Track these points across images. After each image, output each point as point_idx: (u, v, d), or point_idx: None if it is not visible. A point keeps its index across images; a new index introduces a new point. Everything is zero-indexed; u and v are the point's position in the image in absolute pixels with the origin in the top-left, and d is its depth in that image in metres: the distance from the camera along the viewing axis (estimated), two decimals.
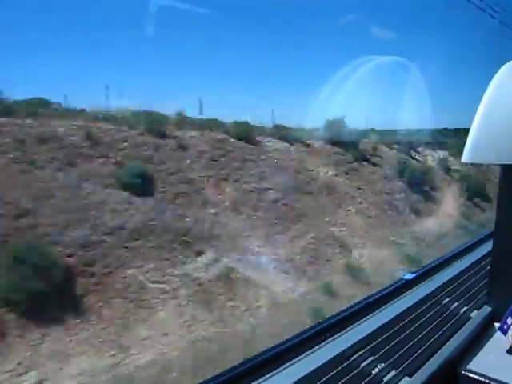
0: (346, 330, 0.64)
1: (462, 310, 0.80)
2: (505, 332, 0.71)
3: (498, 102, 0.64)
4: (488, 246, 0.83)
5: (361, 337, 0.62)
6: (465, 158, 0.65)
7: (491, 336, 0.74)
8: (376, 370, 0.59)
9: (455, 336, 0.72)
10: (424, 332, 0.70)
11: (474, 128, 0.64)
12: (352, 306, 0.75)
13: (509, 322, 0.71)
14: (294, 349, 0.59)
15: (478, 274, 0.87)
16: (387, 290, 0.81)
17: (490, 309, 0.80)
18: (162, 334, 4.17)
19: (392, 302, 0.76)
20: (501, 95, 0.65)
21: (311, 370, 0.54)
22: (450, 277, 0.85)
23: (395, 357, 0.63)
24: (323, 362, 0.56)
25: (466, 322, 0.76)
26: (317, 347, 0.60)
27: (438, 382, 0.63)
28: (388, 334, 0.65)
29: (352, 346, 0.59)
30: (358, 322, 0.68)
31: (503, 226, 0.76)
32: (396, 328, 0.68)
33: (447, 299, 0.81)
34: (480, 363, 0.68)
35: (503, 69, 0.68)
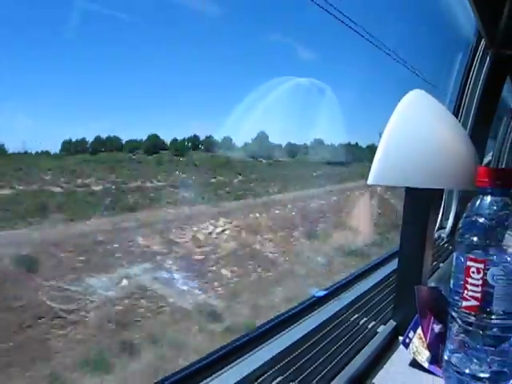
0: (253, 350, 0.65)
1: (370, 325, 0.85)
2: (406, 345, 0.76)
3: (402, 127, 0.71)
4: (394, 264, 0.91)
5: (269, 357, 0.63)
6: (371, 181, 0.70)
7: (396, 350, 0.80)
8: None
9: (362, 351, 0.76)
10: (333, 349, 0.73)
11: (380, 151, 0.69)
12: (262, 326, 0.76)
13: (410, 336, 0.77)
14: (195, 375, 0.59)
15: (385, 290, 0.93)
16: (298, 308, 0.84)
17: (395, 323, 0.86)
18: None
19: (302, 320, 0.79)
20: (404, 120, 0.71)
21: None
22: (359, 293, 0.91)
23: (304, 375, 0.65)
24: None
25: (373, 337, 0.81)
26: (220, 372, 0.59)
27: None
28: (297, 353, 0.67)
29: (260, 367, 0.60)
30: (267, 342, 0.69)
31: (407, 244, 0.83)
32: (306, 346, 0.71)
33: (356, 315, 0.85)
34: (385, 376, 0.73)
35: (410, 94, 0.75)
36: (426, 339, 0.76)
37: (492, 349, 0.63)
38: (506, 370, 0.64)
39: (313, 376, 0.66)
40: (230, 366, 0.62)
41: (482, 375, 0.64)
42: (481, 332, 0.63)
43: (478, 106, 1.65)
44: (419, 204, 0.79)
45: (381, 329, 0.85)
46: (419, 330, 0.77)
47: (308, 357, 0.68)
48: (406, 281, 0.81)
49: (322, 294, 0.90)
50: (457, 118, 1.67)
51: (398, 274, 0.86)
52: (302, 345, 0.70)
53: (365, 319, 0.85)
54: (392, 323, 0.86)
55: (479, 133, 1.79)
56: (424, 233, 0.79)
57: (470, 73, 1.65)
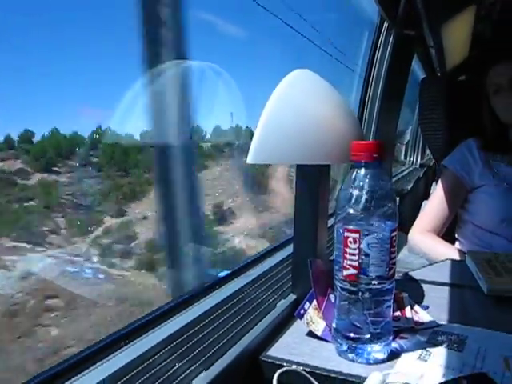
0: (149, 332, 0.66)
1: (270, 300, 0.88)
2: (300, 316, 0.81)
3: (282, 105, 0.74)
4: None
5: (164, 337, 0.64)
6: (250, 159, 0.72)
7: (294, 322, 0.84)
8: (175, 367, 0.63)
9: (259, 325, 0.80)
10: (230, 324, 0.77)
11: (259, 130, 0.72)
12: (161, 307, 0.77)
13: (306, 307, 0.82)
14: (92, 357, 0.59)
15: (287, 268, 0.97)
16: (199, 289, 0.85)
17: (295, 297, 0.90)
18: None
19: (202, 300, 0.81)
20: (284, 99, 0.74)
21: (107, 375, 0.55)
22: (263, 270, 0.94)
23: (196, 352, 0.68)
24: (121, 366, 0.57)
25: (271, 311, 0.85)
26: (115, 353, 0.60)
27: (237, 370, 0.70)
28: (193, 331, 0.69)
29: (152, 348, 0.62)
30: (164, 323, 0.70)
31: (300, 220, 0.87)
32: (203, 324, 0.73)
33: (257, 292, 0.88)
34: (280, 347, 0.77)
35: (292, 73, 0.78)
36: (320, 309, 0.81)
37: (371, 312, 0.69)
38: (383, 330, 0.70)
39: (206, 351, 0.68)
40: (125, 347, 0.62)
41: (364, 337, 0.70)
42: (360, 298, 0.68)
43: (386, 82, 1.75)
44: (309, 180, 0.83)
45: (281, 303, 0.89)
46: (316, 301, 0.82)
47: (203, 334, 0.70)
48: (302, 255, 0.85)
49: (224, 273, 0.92)
50: (366, 94, 1.76)
51: (293, 249, 0.90)
52: (198, 323, 0.72)
53: (266, 295, 0.89)
54: (292, 297, 0.90)
55: (389, 108, 1.90)
56: (316, 208, 0.84)
57: (375, 51, 1.73)
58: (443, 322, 0.85)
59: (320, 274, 0.82)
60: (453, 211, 1.58)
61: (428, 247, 1.49)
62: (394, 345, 0.75)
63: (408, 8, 1.68)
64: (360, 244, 0.66)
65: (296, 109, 0.74)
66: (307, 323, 0.80)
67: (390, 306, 0.71)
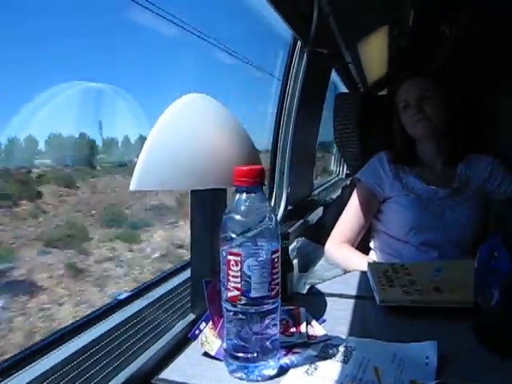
0: (41, 359, 0.65)
1: (169, 320, 0.89)
2: (194, 337, 0.82)
3: (169, 130, 0.75)
4: None
5: (54, 363, 0.63)
6: (133, 186, 0.72)
7: (191, 343, 0.85)
8: None
9: (154, 346, 0.80)
10: (125, 347, 0.76)
11: (143, 155, 0.72)
12: (56, 332, 0.76)
13: (201, 327, 0.83)
14: None
15: (188, 289, 0.98)
16: (96, 313, 0.84)
17: (194, 317, 0.91)
18: None
19: (98, 324, 0.80)
20: (172, 123, 0.75)
21: None
22: (163, 292, 0.94)
23: (87, 375, 0.67)
24: None
25: (169, 332, 0.86)
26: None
27: None
28: (87, 355, 0.68)
29: (45, 373, 0.61)
30: (58, 348, 0.69)
31: (198, 241, 0.88)
32: (97, 348, 0.72)
33: (157, 313, 0.89)
34: (175, 370, 0.77)
35: (183, 98, 0.79)
36: (216, 328, 0.82)
37: (256, 331, 0.71)
38: (270, 347, 0.73)
39: (98, 374, 0.68)
40: (13, 376, 0.61)
41: (251, 356, 0.72)
42: (244, 318, 0.70)
43: (301, 97, 1.81)
44: (204, 203, 0.85)
45: (180, 323, 0.89)
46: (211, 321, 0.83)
47: (96, 358, 0.70)
48: (199, 276, 0.86)
49: (124, 295, 0.91)
50: (282, 108, 1.82)
51: (191, 271, 0.91)
52: (93, 347, 0.71)
53: (165, 316, 0.89)
54: (191, 317, 0.91)
55: (307, 121, 1.96)
56: (211, 231, 0.85)
57: (290, 68, 1.79)
58: (337, 335, 0.89)
59: (216, 294, 0.83)
60: (367, 222, 1.65)
61: (342, 258, 1.54)
62: (285, 360, 0.78)
63: (321, 28, 1.75)
64: (242, 266, 0.68)
65: (185, 134, 0.76)
66: (201, 343, 0.81)
67: (275, 324, 0.73)
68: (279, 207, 1.83)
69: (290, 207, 1.92)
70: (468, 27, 2.84)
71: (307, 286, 1.19)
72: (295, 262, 1.44)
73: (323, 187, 2.98)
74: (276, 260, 0.70)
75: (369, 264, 1.21)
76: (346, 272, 1.34)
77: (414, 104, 1.52)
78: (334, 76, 2.78)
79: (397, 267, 1.15)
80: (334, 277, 1.27)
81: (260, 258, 0.68)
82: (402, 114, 1.58)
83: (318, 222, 2.12)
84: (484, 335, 0.84)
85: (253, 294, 0.69)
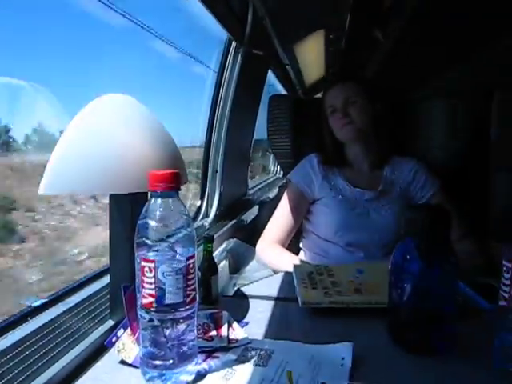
0: None
1: (87, 327, 0.86)
2: (111, 344, 0.79)
3: (82, 133, 0.72)
4: None
5: None
6: (42, 190, 0.69)
7: (110, 349, 0.83)
8: None
9: (68, 355, 0.77)
10: (38, 356, 0.73)
11: (54, 157, 0.69)
12: None
13: (119, 334, 0.81)
14: None
15: (108, 295, 0.95)
16: (9, 320, 0.80)
17: (113, 323, 0.89)
18: None
19: (9, 332, 0.76)
20: (85, 126, 0.73)
21: None
22: (81, 298, 0.91)
23: None
24: None
25: (86, 338, 0.83)
26: None
27: None
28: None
29: None
30: None
31: (115, 245, 0.86)
32: (7, 358, 0.69)
33: (74, 320, 0.85)
34: (90, 379, 0.75)
35: (101, 98, 0.77)
36: (134, 335, 0.80)
37: (172, 338, 0.70)
38: (187, 353, 0.72)
39: None
40: None
41: (167, 363, 0.71)
42: (159, 325, 0.69)
43: (235, 97, 1.81)
44: (123, 207, 0.83)
45: (98, 329, 0.86)
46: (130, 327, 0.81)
47: (5, 368, 0.66)
48: (119, 281, 0.84)
49: (39, 302, 0.87)
50: (216, 107, 1.81)
51: (110, 276, 0.88)
52: (3, 357, 0.67)
53: (83, 322, 0.86)
54: (110, 323, 0.88)
55: (242, 121, 1.97)
56: (131, 235, 0.83)
57: (224, 67, 1.79)
58: (259, 337, 0.90)
59: (134, 299, 0.81)
60: (297, 222, 1.68)
61: (272, 258, 1.56)
62: (204, 366, 0.78)
63: (257, 29, 1.76)
64: (156, 273, 0.67)
65: (100, 136, 0.73)
66: (118, 351, 0.79)
67: (192, 330, 0.73)
68: (211, 206, 1.82)
69: (223, 206, 1.91)
70: (400, 35, 2.96)
71: (235, 288, 1.19)
72: (225, 263, 1.44)
73: (260, 186, 3.00)
74: (192, 266, 0.69)
75: (294, 266, 1.23)
76: (276, 273, 1.36)
77: (340, 109, 1.57)
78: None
79: (321, 269, 1.18)
80: (261, 278, 1.28)
81: (175, 265, 0.67)
82: (330, 119, 1.63)
83: (253, 222, 2.13)
84: (396, 334, 0.88)
85: (167, 301, 0.68)
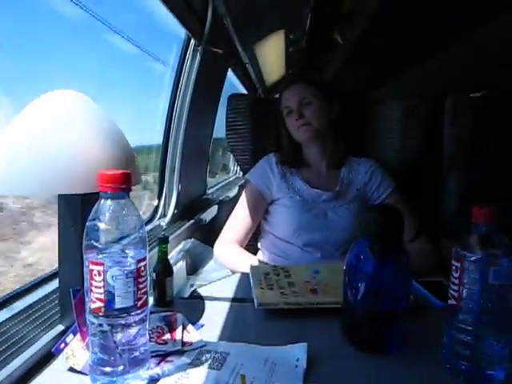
0: None
1: (35, 333, 0.82)
2: (59, 351, 0.76)
3: (27, 130, 0.69)
4: None
5: None
6: None
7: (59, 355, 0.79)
8: None
9: (14, 362, 0.73)
10: None
11: (0, 156, 0.66)
12: None
13: (67, 340, 0.78)
14: None
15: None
16: None
17: (62, 327, 0.85)
18: None
19: None
20: (32, 121, 0.69)
21: None
22: (30, 302, 0.88)
23: None
24: None
25: (34, 345, 0.79)
26: None
27: None
28: None
29: None
30: None
31: (65, 248, 0.83)
32: None
33: (22, 325, 0.82)
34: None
35: (47, 95, 0.73)
36: (84, 340, 0.78)
37: (122, 343, 0.68)
38: (139, 358, 0.70)
39: None
40: None
41: (117, 369, 0.69)
42: (108, 330, 0.66)
43: (194, 95, 1.79)
44: (72, 208, 0.80)
45: (47, 336, 0.83)
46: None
47: None
48: (68, 285, 0.81)
49: None
50: (174, 105, 1.78)
51: (59, 279, 0.85)
52: None
53: (31, 328, 0.82)
54: (60, 328, 0.85)
55: (201, 119, 1.94)
56: (81, 237, 0.80)
57: (183, 65, 1.76)
58: (214, 340, 0.88)
59: (84, 304, 0.78)
60: (255, 222, 1.67)
61: (230, 258, 1.55)
62: (157, 370, 0.76)
63: (216, 27, 1.74)
64: (105, 276, 0.64)
65: (44, 135, 0.70)
66: (67, 358, 0.76)
67: (144, 334, 0.71)
68: (169, 206, 1.79)
69: (181, 206, 1.88)
70: (358, 39, 3.02)
71: (191, 289, 1.17)
72: (182, 264, 1.42)
73: (220, 185, 2.98)
74: (143, 269, 0.68)
75: (251, 266, 1.22)
76: (234, 273, 1.35)
77: (295, 110, 1.58)
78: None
79: (278, 269, 1.18)
80: (220, 279, 1.27)
81: (125, 268, 0.65)
82: (286, 120, 1.64)
83: (212, 222, 2.11)
84: (350, 334, 0.89)
85: (117, 305, 0.66)
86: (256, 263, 1.53)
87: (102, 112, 0.81)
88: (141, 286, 0.67)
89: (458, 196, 1.79)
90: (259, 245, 1.73)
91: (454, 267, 0.77)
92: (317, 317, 0.97)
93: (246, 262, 1.48)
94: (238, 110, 1.79)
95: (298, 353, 0.82)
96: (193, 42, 1.73)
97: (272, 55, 2.86)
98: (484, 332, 0.76)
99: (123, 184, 0.65)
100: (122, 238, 0.65)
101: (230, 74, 2.71)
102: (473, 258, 0.74)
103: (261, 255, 1.70)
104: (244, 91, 3.38)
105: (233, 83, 3.15)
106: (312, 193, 1.61)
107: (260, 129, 1.81)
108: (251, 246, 1.72)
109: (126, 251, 0.65)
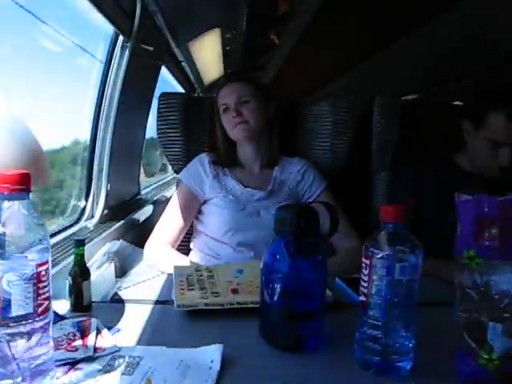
0: None
1: None
2: None
3: None
4: None
5: None
6: None
7: None
8: None
9: None
10: None
11: None
12: None
13: None
14: None
15: None
16: None
17: None
18: None
19: None
20: None
21: None
22: None
23: None
24: None
25: None
26: None
27: None
28: None
29: None
30: None
31: None
32: None
33: None
34: None
35: None
36: None
37: (22, 352, 0.64)
38: (42, 368, 0.67)
39: None
40: None
41: (15, 381, 0.65)
42: (4, 340, 0.63)
43: (122, 93, 1.74)
44: None
45: None
46: None
47: None
48: None
49: None
50: (101, 102, 1.72)
51: None
52: None
53: None
54: None
55: (131, 118, 1.89)
56: None
57: (111, 63, 1.71)
58: (130, 344, 0.86)
59: None
60: (187, 223, 1.65)
61: (161, 259, 1.52)
62: (64, 379, 0.73)
63: (147, 24, 1.70)
64: (0, 282, 0.61)
65: None
66: None
67: (46, 343, 0.67)
68: (97, 206, 1.73)
69: (111, 207, 1.83)
70: (295, 42, 3.07)
71: (112, 292, 1.14)
72: (109, 266, 1.38)
73: (156, 185, 2.93)
74: (44, 273, 0.64)
75: (175, 267, 1.21)
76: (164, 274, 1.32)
77: (232, 108, 1.58)
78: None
79: (201, 270, 1.17)
80: (144, 281, 1.25)
81: (23, 272, 0.62)
82: (223, 117, 1.63)
83: (146, 222, 2.07)
84: (267, 333, 0.89)
85: (14, 313, 0.62)
86: (187, 264, 1.52)
87: (6, 110, 0.76)
88: (41, 291, 0.64)
89: (385, 195, 1.86)
90: (191, 245, 1.71)
91: (363, 265, 0.79)
92: (237, 317, 0.97)
93: (175, 262, 1.46)
94: (170, 108, 1.75)
95: (212, 354, 0.81)
96: (121, 38, 1.68)
97: (209, 54, 2.84)
98: (392, 326, 0.78)
99: (21, 184, 0.62)
100: (18, 242, 0.62)
101: (168, 73, 2.67)
102: (380, 255, 0.77)
103: (193, 256, 1.68)
104: (182, 90, 3.34)
105: (171, 83, 3.11)
106: (245, 192, 1.61)
107: (193, 128, 1.79)
108: (184, 247, 1.70)
109: (26, 255, 0.62)
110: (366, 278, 0.79)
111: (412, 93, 3.65)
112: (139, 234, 1.83)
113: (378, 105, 1.80)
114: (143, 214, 2.12)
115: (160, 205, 2.28)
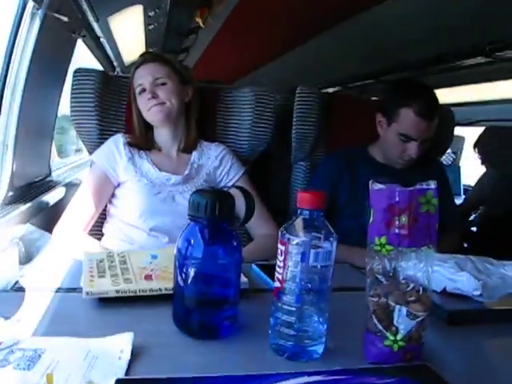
0: None
1: None
2: None
3: None
4: None
5: None
6: None
7: None
8: None
9: None
10: None
11: None
12: None
13: None
14: None
15: None
16: None
17: None
18: None
19: None
20: None
21: None
22: None
23: None
24: None
25: None
26: None
27: None
28: None
29: None
30: None
31: None
32: None
33: None
34: None
35: None
36: None
37: None
38: None
39: None
40: None
41: None
42: None
43: (31, 66, 1.60)
44: None
45: None
46: None
47: None
48: None
49: None
50: (6, 76, 1.58)
51: None
52: None
53: None
54: None
55: (42, 94, 1.76)
56: None
57: (19, 30, 1.56)
58: (32, 336, 0.79)
59: None
60: (100, 206, 1.57)
61: (70, 244, 1.43)
62: None
63: None
64: None
65: None
66: None
67: None
68: (0, 186, 1.59)
69: (17, 188, 1.69)
70: (220, 26, 3.03)
71: (14, 280, 1.05)
72: (11, 252, 1.27)
73: (69, 166, 2.77)
74: None
75: (84, 253, 1.14)
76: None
77: (148, 89, 1.52)
78: None
79: (113, 255, 1.11)
80: (51, 267, 1.16)
81: None
82: (138, 99, 1.57)
83: (57, 205, 1.95)
84: (180, 321, 0.86)
85: None
86: (98, 249, 1.45)
87: None
88: None
89: (304, 183, 1.90)
90: (104, 230, 1.63)
91: (279, 251, 0.79)
92: (150, 304, 0.93)
93: (86, 247, 1.38)
94: (85, 85, 1.64)
95: (122, 343, 0.77)
96: (31, 4, 1.53)
97: (130, 31, 2.70)
98: (305, 311, 0.79)
99: None
100: None
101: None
102: (295, 242, 0.77)
103: (105, 241, 1.60)
104: (100, 67, 3.16)
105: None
106: (160, 176, 1.56)
107: (110, 108, 1.70)
108: (96, 231, 1.61)
109: None
110: (281, 264, 0.79)
111: (331, 86, 3.77)
112: (49, 218, 1.71)
113: (299, 94, 1.82)
114: (54, 196, 1.99)
115: (73, 187, 2.16)
